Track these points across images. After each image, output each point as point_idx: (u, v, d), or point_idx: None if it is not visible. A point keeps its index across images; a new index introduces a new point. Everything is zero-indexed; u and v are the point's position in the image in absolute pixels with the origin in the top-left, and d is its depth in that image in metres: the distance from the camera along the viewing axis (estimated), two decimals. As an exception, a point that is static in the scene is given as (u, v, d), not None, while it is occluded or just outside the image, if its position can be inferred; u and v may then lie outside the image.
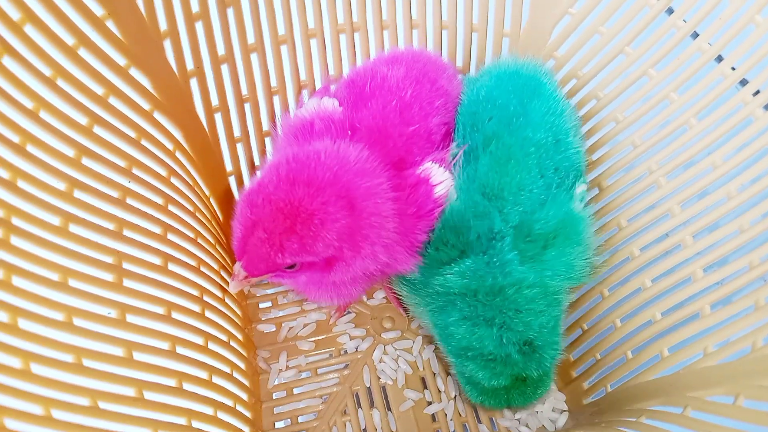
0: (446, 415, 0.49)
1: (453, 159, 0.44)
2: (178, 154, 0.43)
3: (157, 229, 0.38)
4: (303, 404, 0.49)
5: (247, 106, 0.49)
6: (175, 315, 0.38)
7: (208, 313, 0.42)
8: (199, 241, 0.43)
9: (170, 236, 0.39)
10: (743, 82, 0.41)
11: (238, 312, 0.49)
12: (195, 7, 0.42)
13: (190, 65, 0.43)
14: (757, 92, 0.40)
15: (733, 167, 0.41)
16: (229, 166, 0.51)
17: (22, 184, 0.29)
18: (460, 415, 0.49)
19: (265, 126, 0.51)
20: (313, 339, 0.52)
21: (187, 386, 0.37)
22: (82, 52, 0.34)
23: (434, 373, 0.51)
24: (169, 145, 0.42)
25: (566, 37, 0.50)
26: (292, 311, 0.54)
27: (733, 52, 0.41)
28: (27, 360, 0.27)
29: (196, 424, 0.36)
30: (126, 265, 0.35)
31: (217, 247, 0.47)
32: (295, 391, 0.50)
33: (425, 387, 0.50)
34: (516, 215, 0.42)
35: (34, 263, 0.29)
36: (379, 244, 0.38)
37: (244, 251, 0.37)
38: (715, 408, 0.35)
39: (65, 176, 0.32)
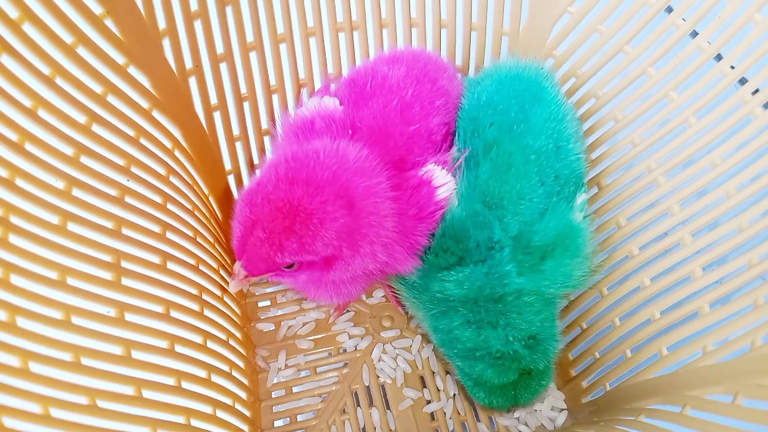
0: (445, 413, 0.49)
1: (455, 163, 0.44)
2: (176, 153, 0.43)
3: (155, 228, 0.38)
4: (302, 403, 0.49)
5: (246, 105, 0.49)
6: (174, 313, 0.38)
7: (207, 312, 0.42)
8: (198, 239, 0.43)
9: (169, 235, 0.39)
10: (742, 81, 0.41)
11: (237, 311, 0.49)
12: (194, 6, 0.42)
13: (188, 64, 0.43)
14: (757, 91, 0.40)
15: (732, 166, 0.41)
16: (228, 165, 0.51)
17: (20, 182, 0.29)
18: (459, 413, 0.49)
19: (264, 125, 0.51)
20: (312, 338, 0.52)
21: (185, 385, 0.37)
22: (81, 51, 0.34)
23: (433, 372, 0.51)
24: (168, 144, 0.42)
25: (565, 36, 0.50)
26: (292, 310, 0.54)
27: (733, 50, 0.41)
28: (25, 359, 0.27)
29: (195, 422, 0.36)
30: (125, 264, 0.35)
31: (216, 245, 0.47)
32: (294, 389, 0.50)
33: (424, 386, 0.50)
34: (515, 225, 0.42)
35: (33, 262, 0.29)
36: (378, 243, 0.38)
37: (244, 251, 0.37)
38: (714, 407, 0.35)
39: (64, 175, 0.32)
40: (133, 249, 0.36)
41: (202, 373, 0.39)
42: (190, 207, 0.44)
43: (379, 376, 0.51)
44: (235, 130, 0.50)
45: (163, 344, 0.36)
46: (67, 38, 0.33)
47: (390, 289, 0.52)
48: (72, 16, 0.33)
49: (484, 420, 0.49)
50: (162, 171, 0.41)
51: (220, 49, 0.45)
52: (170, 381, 0.36)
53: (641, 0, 0.45)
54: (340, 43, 0.50)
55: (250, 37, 0.46)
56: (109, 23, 0.36)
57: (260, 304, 0.54)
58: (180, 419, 0.35)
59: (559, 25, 0.50)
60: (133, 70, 0.38)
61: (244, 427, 0.43)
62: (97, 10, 0.35)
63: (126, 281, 0.34)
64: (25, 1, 0.30)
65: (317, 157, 0.37)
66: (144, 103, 0.40)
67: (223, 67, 0.46)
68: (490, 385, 0.44)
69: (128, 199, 0.36)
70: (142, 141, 0.39)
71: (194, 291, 0.41)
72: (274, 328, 0.53)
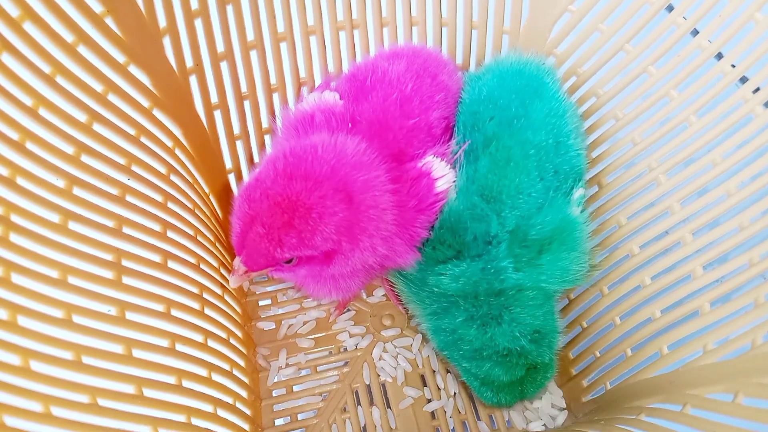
0: (446, 412, 0.49)
1: (455, 155, 0.44)
2: (177, 152, 0.43)
3: (156, 227, 0.38)
4: (302, 402, 0.49)
5: (246, 104, 0.49)
6: (175, 312, 0.38)
7: (207, 311, 0.42)
8: (198, 238, 0.43)
9: (170, 233, 0.39)
10: (743, 80, 0.41)
11: (238, 309, 0.49)
12: (194, 4, 0.42)
13: (189, 62, 0.43)
14: (757, 89, 0.40)
15: (732, 164, 0.41)
16: (228, 164, 0.51)
17: (21, 181, 0.29)
18: (459, 412, 0.49)
19: (265, 123, 0.51)
20: (312, 336, 0.52)
21: (186, 383, 0.37)
22: (82, 50, 0.34)
23: (434, 371, 0.51)
24: (169, 143, 0.42)
25: (566, 35, 0.50)
26: (292, 309, 0.54)
27: (733, 49, 0.41)
28: (26, 357, 0.27)
29: (195, 421, 0.36)
30: (125, 263, 0.35)
31: (217, 244, 0.47)
32: (295, 388, 0.50)
33: (425, 384, 0.51)
34: (513, 219, 0.42)
35: (34, 260, 0.29)
36: (377, 236, 0.39)
37: (243, 246, 0.37)
38: (714, 405, 0.35)
39: (64, 173, 0.32)
40: (133, 248, 0.36)
41: (203, 372, 0.39)
42: (190, 206, 0.44)
43: (379, 375, 0.51)
44: (236, 129, 0.50)
45: (164, 343, 0.36)
46: (68, 37, 0.33)
47: (390, 288, 0.52)
48: (72, 14, 0.33)
49: (485, 418, 0.49)
50: (162, 170, 0.41)
51: (220, 47, 0.45)
52: (171, 380, 0.36)
53: (642, -2, 0.45)
54: (341, 41, 0.50)
55: (250, 36, 0.46)
56: (109, 22, 0.36)
57: (261, 303, 0.54)
58: (181, 418, 0.35)
59: (560, 23, 0.50)
60: (133, 69, 0.38)
61: (245, 425, 0.43)
62: (98, 8, 0.35)
63: (127, 280, 0.34)
64: (25, 0, 0.30)
65: (315, 152, 0.37)
66: (144, 102, 0.40)
67: (224, 66, 0.46)
68: (498, 383, 0.44)
69: (129, 198, 0.36)
70: (143, 140, 0.39)
71: (195, 290, 0.41)
72: (274, 326, 0.53)
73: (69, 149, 0.32)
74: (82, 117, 0.34)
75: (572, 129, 0.45)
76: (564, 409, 0.50)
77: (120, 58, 0.37)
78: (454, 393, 0.50)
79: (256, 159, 0.53)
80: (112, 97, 0.36)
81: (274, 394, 0.50)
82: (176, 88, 0.43)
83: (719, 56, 0.42)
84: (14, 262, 0.28)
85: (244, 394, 0.45)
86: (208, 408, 0.38)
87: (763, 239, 0.38)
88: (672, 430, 0.36)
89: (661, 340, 0.43)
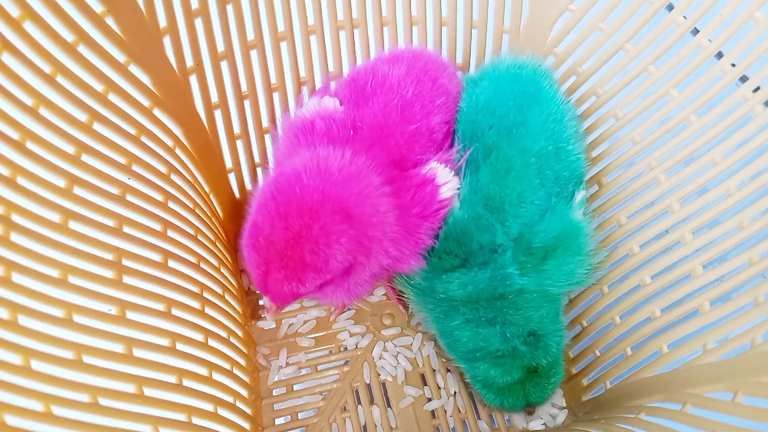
0: (446, 411, 0.49)
1: (457, 163, 0.44)
2: (177, 151, 0.43)
3: (157, 226, 0.38)
4: (303, 401, 0.49)
5: (246, 103, 0.49)
6: (175, 312, 0.38)
7: (207, 310, 0.42)
8: (199, 238, 0.43)
9: (170, 233, 0.39)
10: (743, 79, 0.41)
11: (238, 308, 0.49)
12: (194, 4, 0.42)
13: (189, 62, 0.43)
14: (757, 89, 0.40)
15: (732, 164, 0.41)
16: (228, 163, 0.51)
17: (21, 181, 0.29)
18: (459, 411, 0.49)
19: (265, 123, 0.51)
20: (312, 336, 0.52)
21: (187, 383, 0.37)
22: (82, 49, 0.34)
23: (434, 370, 0.51)
24: (169, 142, 0.42)
25: (566, 34, 0.50)
26: (292, 308, 0.54)
27: (733, 48, 0.41)
28: (27, 357, 0.27)
29: (196, 420, 0.36)
30: (126, 262, 0.35)
31: (217, 243, 0.47)
32: (295, 387, 0.50)
33: (425, 383, 0.51)
34: (516, 227, 0.42)
35: (34, 260, 0.29)
36: (386, 239, 0.39)
37: (267, 290, 0.37)
38: (714, 404, 0.35)
39: (65, 173, 0.32)
40: (134, 247, 0.36)
41: (203, 371, 0.39)
42: (191, 205, 0.44)
43: (379, 374, 0.51)
44: (236, 129, 0.50)
45: (165, 342, 0.36)
46: (68, 36, 0.33)
47: (391, 288, 0.52)
48: (73, 14, 0.33)
49: (485, 417, 0.49)
50: (163, 169, 0.41)
51: (221, 47, 0.45)
52: (172, 379, 0.36)
53: (642, -2, 0.45)
54: (341, 41, 0.50)
55: (250, 35, 0.46)
56: (109, 21, 0.36)
57: (261, 302, 0.54)
58: (181, 417, 0.35)
59: (560, 22, 0.50)
60: (133, 69, 0.38)
61: (245, 424, 0.43)
62: (98, 8, 0.35)
63: (127, 279, 0.34)
64: (26, 0, 0.30)
65: (301, 181, 0.36)
66: (145, 102, 0.40)
67: (224, 65, 0.46)
68: (496, 386, 0.44)
69: (129, 197, 0.36)
70: (143, 139, 0.39)
71: (195, 289, 0.41)
72: (274, 326, 0.53)
73: (69, 149, 0.32)
74: (82, 116, 0.34)
75: (571, 133, 0.45)
76: (564, 407, 0.50)
77: (120, 57, 0.37)
78: (455, 392, 0.50)
79: (257, 159, 0.53)
80: (112, 97, 0.36)
81: (274, 393, 0.50)
82: (176, 88, 0.43)
83: (719, 55, 0.42)
84: (15, 262, 0.28)
85: (244, 393, 0.45)
86: (209, 407, 0.38)
87: (762, 238, 0.38)
88: (672, 429, 0.36)
89: (661, 339, 0.43)
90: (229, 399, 0.42)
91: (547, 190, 0.43)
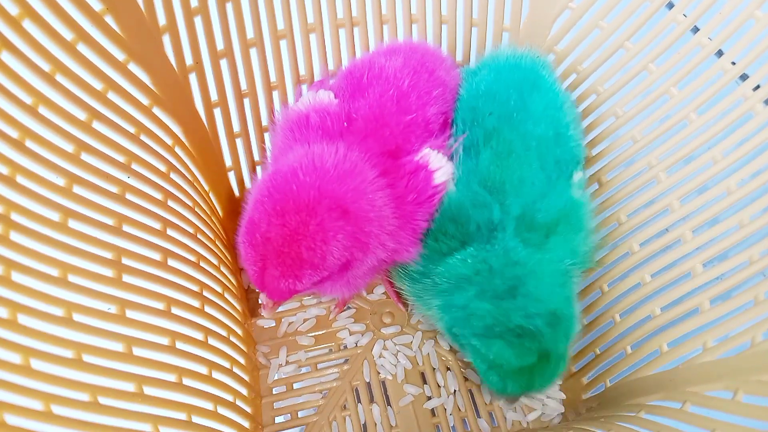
0: (446, 410, 0.49)
1: (452, 147, 0.44)
2: (177, 150, 0.43)
3: (156, 225, 0.38)
4: (303, 399, 0.49)
5: (246, 102, 0.49)
6: (175, 310, 0.38)
7: (207, 309, 0.42)
8: (198, 236, 0.43)
9: (170, 232, 0.39)
10: (743, 77, 0.41)
11: (238, 307, 0.49)
12: (194, 2, 0.42)
13: (189, 60, 0.43)
14: (758, 87, 0.40)
15: (733, 162, 0.41)
16: (228, 162, 0.51)
17: (21, 179, 0.29)
18: (459, 409, 0.49)
19: (265, 121, 0.51)
20: (312, 334, 0.52)
21: (186, 381, 0.37)
22: (81, 48, 0.34)
23: (434, 368, 0.51)
24: (169, 141, 0.42)
25: (566, 32, 0.50)
26: (292, 306, 0.54)
27: (734, 47, 0.41)
28: (27, 356, 0.27)
29: (195, 419, 0.36)
30: (125, 261, 0.35)
31: (217, 242, 0.47)
32: (295, 386, 0.50)
33: (425, 382, 0.51)
34: (518, 206, 0.42)
35: (34, 259, 0.29)
36: (383, 233, 0.39)
37: (264, 286, 0.37)
38: (714, 403, 0.35)
39: (64, 172, 0.32)
40: (133, 246, 0.36)
41: (203, 370, 0.39)
42: (190, 204, 0.44)
43: (379, 373, 0.51)
44: (236, 127, 0.50)
45: (164, 341, 0.36)
46: (67, 35, 0.33)
47: (391, 286, 0.52)
48: (72, 12, 0.33)
49: (485, 416, 0.49)
50: (162, 168, 0.41)
51: (220, 45, 0.45)
52: (171, 378, 0.36)
53: (642, -4, 0.45)
54: (341, 39, 0.50)
55: (250, 34, 0.46)
56: (109, 20, 0.36)
57: (261, 301, 0.54)
58: (181, 416, 0.35)
59: (560, 20, 0.50)
60: (133, 67, 0.38)
61: (245, 423, 0.43)
62: (97, 6, 0.35)
63: (127, 278, 0.34)
64: (25, -2, 0.30)
65: (297, 179, 0.36)
66: (144, 100, 0.40)
67: (224, 64, 0.46)
68: (507, 367, 0.41)
69: (129, 196, 0.36)
70: (143, 138, 0.39)
71: (195, 288, 0.41)
72: (274, 324, 0.53)
73: (69, 147, 0.32)
74: (81, 115, 0.34)
75: (570, 120, 0.46)
76: (564, 406, 0.50)
77: (120, 56, 0.37)
78: (454, 390, 0.50)
79: (256, 157, 0.53)
80: (111, 95, 0.36)
81: (274, 392, 0.50)
82: (176, 86, 0.43)
83: (719, 53, 0.42)
84: (14, 261, 0.28)
85: (244, 391, 0.45)
86: (209, 406, 0.38)
87: (763, 237, 0.38)
88: (672, 428, 0.36)
89: (660, 337, 0.43)
90: (229, 397, 0.42)
91: (547, 173, 0.43)
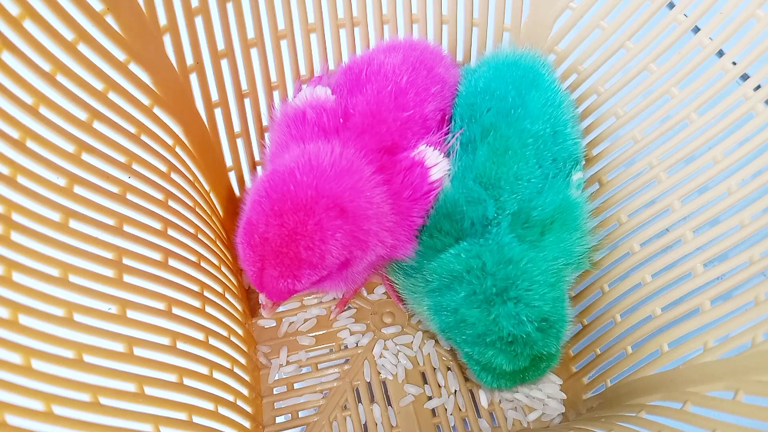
0: (446, 409, 0.49)
1: (448, 143, 0.44)
2: (178, 150, 0.43)
3: (157, 225, 0.38)
4: (303, 399, 0.49)
5: (247, 101, 0.49)
6: (176, 310, 0.38)
7: (208, 309, 0.42)
8: (199, 236, 0.43)
9: (170, 232, 0.39)
10: (744, 77, 0.41)
11: (239, 307, 0.49)
12: (194, 2, 0.42)
13: (189, 60, 0.43)
14: (758, 87, 0.40)
15: (733, 162, 0.41)
16: (229, 162, 0.51)
17: (22, 179, 0.29)
18: (460, 409, 0.49)
19: (265, 121, 0.51)
20: (313, 334, 0.52)
21: (187, 381, 0.37)
22: (82, 48, 0.34)
23: (434, 368, 0.51)
24: (169, 141, 0.42)
25: (567, 32, 0.50)
26: (293, 306, 0.54)
27: (734, 46, 0.41)
28: (28, 356, 0.27)
29: (196, 419, 0.36)
30: (126, 261, 0.35)
31: (218, 242, 0.47)
32: (296, 386, 0.50)
33: (425, 382, 0.51)
34: (514, 203, 0.42)
35: (35, 259, 0.29)
36: (381, 230, 0.39)
37: (263, 287, 0.37)
38: (714, 403, 0.35)
39: (65, 172, 0.32)
40: (134, 246, 0.36)
41: (203, 370, 0.39)
42: (191, 204, 0.44)
43: (380, 373, 0.51)
44: (236, 127, 0.50)
45: (165, 341, 0.36)
46: (68, 35, 0.33)
47: (391, 286, 0.52)
48: (73, 12, 0.33)
49: (485, 415, 0.49)
50: (163, 168, 0.41)
51: (221, 45, 0.45)
52: (172, 378, 0.36)
53: (643, -4, 0.45)
54: (341, 39, 0.50)
55: (251, 34, 0.46)
56: (109, 20, 0.36)
57: (261, 301, 0.54)
58: (182, 416, 0.35)
59: (561, 20, 0.50)
60: (134, 67, 0.38)
61: (246, 423, 0.43)
62: (98, 6, 0.35)
63: (128, 278, 0.34)
64: (26, -2, 0.30)
65: (295, 179, 0.36)
66: (145, 100, 0.40)
67: (224, 64, 0.46)
68: (499, 371, 0.43)
69: (129, 196, 0.36)
70: (143, 138, 0.39)
71: (196, 288, 0.41)
72: (275, 324, 0.53)
73: (69, 147, 0.32)
74: (82, 115, 0.34)
75: (569, 118, 0.46)
76: (564, 406, 0.50)
77: (120, 56, 0.37)
78: (455, 390, 0.50)
79: (257, 157, 0.53)
80: (112, 95, 0.36)
81: (275, 392, 0.50)
82: (177, 86, 0.43)
83: (720, 53, 0.42)
84: (15, 261, 0.28)
85: (245, 391, 0.45)
86: (209, 406, 0.38)
87: (763, 237, 0.38)
88: (672, 428, 0.36)
89: (661, 337, 0.43)
90: (230, 397, 0.42)
91: (544, 170, 0.43)
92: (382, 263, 0.46)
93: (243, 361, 0.46)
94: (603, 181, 0.49)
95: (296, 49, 0.49)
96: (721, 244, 0.40)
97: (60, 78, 0.32)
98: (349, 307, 0.54)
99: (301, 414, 0.49)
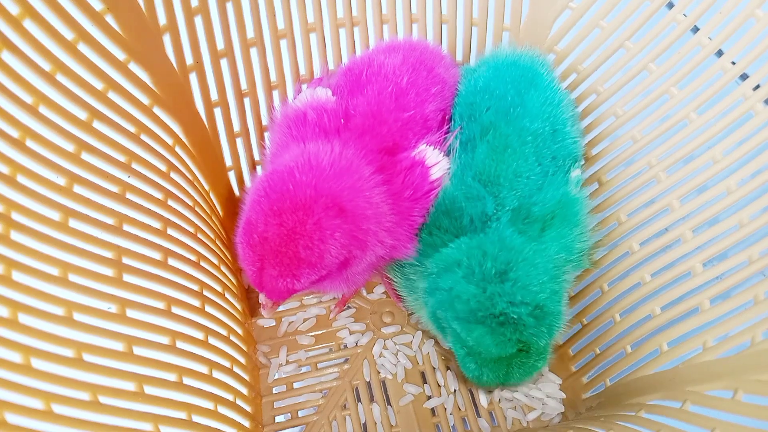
0: (446, 409, 0.49)
1: (448, 142, 0.44)
2: (177, 149, 0.43)
3: (156, 224, 0.38)
4: (303, 398, 0.49)
5: (246, 101, 0.49)
6: (175, 310, 0.38)
7: (207, 308, 0.42)
8: (198, 236, 0.43)
9: (170, 231, 0.39)
10: (743, 77, 0.41)
11: (238, 306, 0.49)
12: (194, 2, 0.42)
13: (189, 60, 0.43)
14: (757, 86, 0.40)
15: (733, 162, 0.41)
16: (228, 161, 0.51)
17: (21, 179, 0.29)
18: (459, 409, 0.49)
19: (265, 121, 0.51)
20: (312, 334, 0.52)
21: (187, 381, 0.37)
22: (82, 47, 0.34)
23: (434, 368, 0.51)
24: (169, 140, 0.42)
25: (566, 32, 0.50)
26: (292, 306, 0.54)
27: (734, 46, 0.41)
28: (27, 355, 0.27)
29: (196, 418, 0.36)
30: (126, 260, 0.35)
31: (217, 241, 0.47)
32: (295, 385, 0.50)
33: (425, 381, 0.51)
34: (513, 199, 0.42)
35: (34, 258, 0.29)
36: (381, 230, 0.39)
37: (262, 287, 0.37)
38: (714, 402, 0.35)
39: (65, 171, 0.32)
40: (134, 245, 0.36)
41: (203, 369, 0.39)
42: (191, 203, 0.44)
43: (379, 372, 0.51)
44: (236, 126, 0.50)
45: (165, 340, 0.36)
46: (68, 34, 0.33)
47: (390, 286, 0.52)
48: (72, 12, 0.33)
49: (485, 415, 0.49)
50: (163, 167, 0.41)
51: (220, 45, 0.45)
52: (172, 377, 0.36)
53: (642, -5, 0.45)
54: (341, 38, 0.50)
55: (250, 33, 0.46)
56: (109, 19, 0.36)
57: (260, 301, 0.54)
58: (181, 415, 0.35)
59: (560, 20, 0.50)
60: (133, 67, 0.38)
61: (245, 422, 0.43)
62: (98, 6, 0.35)
63: (127, 277, 0.34)
64: (25, -2, 0.30)
65: (294, 178, 0.36)
66: (145, 100, 0.40)
67: (224, 63, 0.46)
68: (485, 355, 0.41)
69: (129, 196, 0.36)
70: (143, 137, 0.39)
71: (195, 287, 0.41)
72: (274, 324, 0.53)
73: (69, 147, 0.32)
74: (82, 115, 0.34)
75: (568, 117, 0.46)
76: (564, 405, 0.50)
77: (120, 55, 0.37)
78: (455, 390, 0.50)
79: (257, 156, 0.53)
80: (112, 95, 0.36)
81: (274, 391, 0.50)
82: (176, 86, 0.43)
83: (719, 53, 0.42)
84: (15, 260, 0.28)
85: (244, 391, 0.45)
86: (209, 405, 0.39)
87: (762, 236, 0.38)
88: (672, 427, 0.36)
89: (660, 337, 0.43)
90: (230, 397, 0.42)
91: (544, 168, 0.43)
92: (383, 264, 0.46)
93: (242, 360, 0.46)
94: (602, 181, 0.49)
95: (296, 48, 0.49)
96: (721, 243, 0.40)
97: (60, 77, 0.32)
98: (349, 307, 0.54)
99: (300, 413, 0.49)
